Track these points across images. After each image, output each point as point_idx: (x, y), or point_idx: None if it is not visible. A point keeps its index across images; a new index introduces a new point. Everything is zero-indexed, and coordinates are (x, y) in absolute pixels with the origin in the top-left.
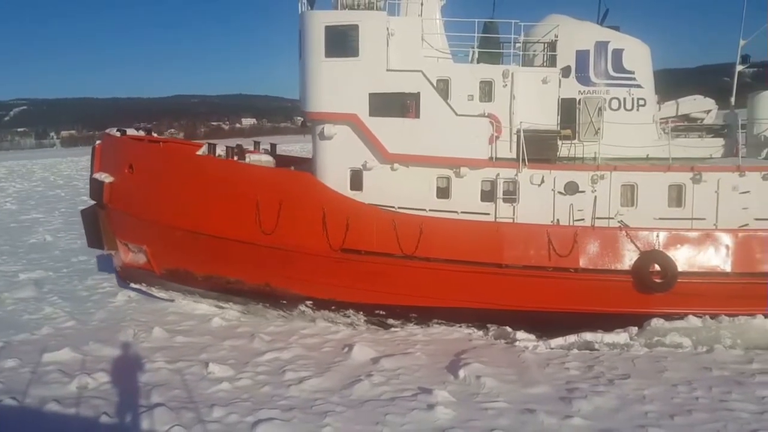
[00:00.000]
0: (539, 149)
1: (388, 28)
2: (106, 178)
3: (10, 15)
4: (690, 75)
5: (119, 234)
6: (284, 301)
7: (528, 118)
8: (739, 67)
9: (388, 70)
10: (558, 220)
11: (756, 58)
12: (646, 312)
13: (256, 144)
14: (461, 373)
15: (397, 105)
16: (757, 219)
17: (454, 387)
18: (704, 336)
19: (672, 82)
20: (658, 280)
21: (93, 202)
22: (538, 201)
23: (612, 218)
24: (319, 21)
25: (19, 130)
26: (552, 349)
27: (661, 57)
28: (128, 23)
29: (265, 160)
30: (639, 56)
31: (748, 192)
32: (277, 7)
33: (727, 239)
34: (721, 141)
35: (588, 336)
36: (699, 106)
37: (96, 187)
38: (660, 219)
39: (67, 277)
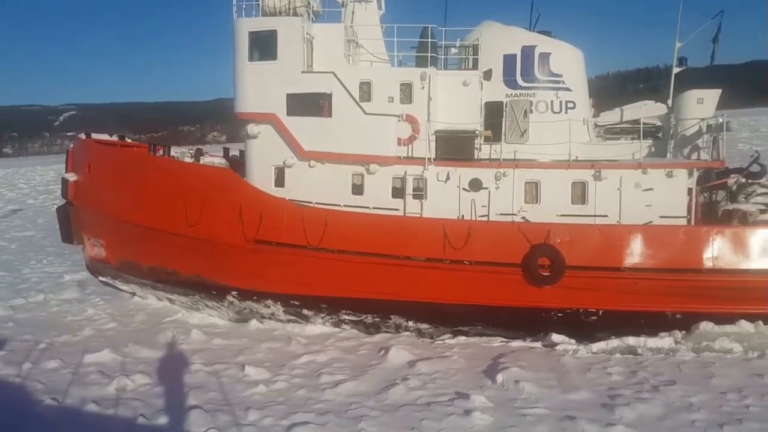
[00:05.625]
0: (456, 149)
1: (306, 33)
2: (71, 177)
3: (60, 23)
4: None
5: (84, 229)
6: (214, 292)
7: (449, 119)
8: (675, 70)
9: (303, 72)
10: (463, 215)
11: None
12: (536, 305)
13: (226, 150)
14: (499, 377)
15: (311, 105)
16: (662, 216)
17: (491, 392)
18: (756, 342)
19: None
20: (545, 273)
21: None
22: (445, 197)
23: (515, 214)
24: (244, 27)
25: (68, 134)
26: (593, 353)
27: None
28: (173, 28)
29: (218, 162)
30: (568, 60)
31: (651, 189)
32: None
33: (618, 234)
34: (652, 142)
35: (631, 340)
36: (649, 111)
37: (64, 186)
38: (563, 216)
39: None
